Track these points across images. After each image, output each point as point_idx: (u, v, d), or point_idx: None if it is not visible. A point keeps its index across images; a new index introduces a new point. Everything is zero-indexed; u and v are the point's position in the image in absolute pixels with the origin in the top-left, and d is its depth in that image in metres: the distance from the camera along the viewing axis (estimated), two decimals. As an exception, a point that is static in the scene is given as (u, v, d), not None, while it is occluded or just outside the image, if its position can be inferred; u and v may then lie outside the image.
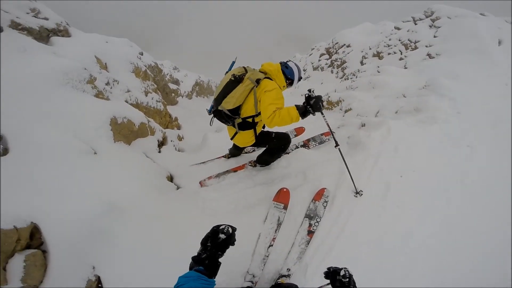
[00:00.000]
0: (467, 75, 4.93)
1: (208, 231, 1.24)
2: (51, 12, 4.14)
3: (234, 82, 2.47)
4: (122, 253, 2.21)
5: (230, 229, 1.23)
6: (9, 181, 1.97)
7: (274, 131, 2.94)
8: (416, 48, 7.08)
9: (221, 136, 5.20)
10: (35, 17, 3.71)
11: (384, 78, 6.09)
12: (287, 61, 2.75)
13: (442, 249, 2.45)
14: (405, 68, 6.66)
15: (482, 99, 4.19)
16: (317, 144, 3.91)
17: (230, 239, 1.21)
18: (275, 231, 2.59)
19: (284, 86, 2.74)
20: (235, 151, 3.59)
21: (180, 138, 5.85)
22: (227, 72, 2.66)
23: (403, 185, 2.92)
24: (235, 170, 3.43)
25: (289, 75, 2.70)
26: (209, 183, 3.29)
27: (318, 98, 2.40)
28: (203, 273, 1.08)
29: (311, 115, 2.44)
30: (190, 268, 1.14)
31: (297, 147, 3.78)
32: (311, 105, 2.38)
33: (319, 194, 2.84)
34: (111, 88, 3.76)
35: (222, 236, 1.19)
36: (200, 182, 3.31)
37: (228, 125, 2.82)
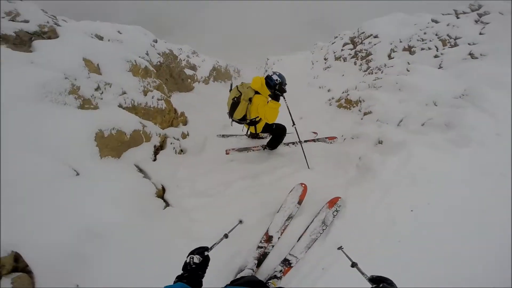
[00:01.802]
0: (516, 84, 4.12)
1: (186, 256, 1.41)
2: (37, 12, 3.77)
3: (235, 103, 3.50)
4: (103, 276, 2.20)
5: (205, 252, 1.44)
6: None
7: (276, 123, 3.73)
8: (456, 45, 6.12)
9: (222, 141, 4.95)
10: (12, 20, 3.39)
11: (413, 79, 5.35)
12: (272, 74, 3.49)
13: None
14: (440, 67, 5.81)
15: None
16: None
17: (206, 261, 1.42)
18: (285, 223, 2.66)
19: (269, 94, 3.47)
20: (253, 135, 4.67)
21: (184, 136, 5.59)
22: (230, 90, 3.71)
23: (412, 220, 2.50)
24: (253, 149, 4.23)
25: (270, 87, 3.43)
26: (232, 152, 4.14)
27: (281, 83, 3.38)
28: (187, 284, 1.22)
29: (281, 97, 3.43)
30: (175, 283, 1.26)
31: (306, 141, 4.31)
32: (278, 89, 3.36)
33: (332, 202, 2.77)
34: (101, 93, 3.47)
35: (196, 261, 1.37)
36: (226, 151, 4.15)
37: (244, 124, 3.80)
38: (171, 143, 4.55)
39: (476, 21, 6.33)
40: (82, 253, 2.20)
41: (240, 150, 4.18)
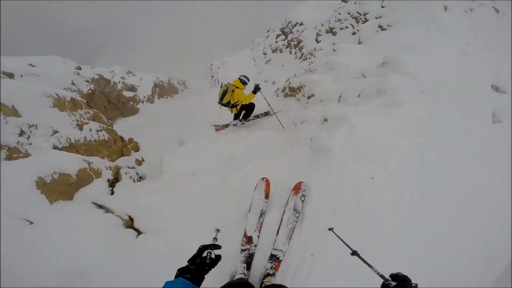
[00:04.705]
0: (422, 46, 4.83)
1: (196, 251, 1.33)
2: None
3: (225, 92, 5.28)
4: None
5: (217, 250, 1.35)
6: None
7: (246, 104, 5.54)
8: (366, 20, 6.89)
9: (183, 153, 4.79)
10: None
11: (340, 58, 5.86)
12: (242, 76, 5.38)
13: (433, 247, 2.31)
14: (360, 43, 6.49)
15: (442, 71, 4.10)
16: (263, 115, 6.12)
17: (217, 260, 1.32)
18: (259, 220, 2.69)
19: (243, 88, 5.35)
20: (235, 116, 5.95)
21: (139, 162, 5.27)
22: (221, 86, 5.46)
23: (375, 187, 2.70)
24: (230, 124, 5.82)
25: (242, 83, 5.34)
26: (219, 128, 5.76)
27: (257, 86, 5.39)
28: (190, 280, 1.16)
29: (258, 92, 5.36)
30: (176, 277, 1.20)
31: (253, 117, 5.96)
32: (256, 89, 5.32)
33: (297, 188, 2.81)
34: (28, 137, 3.06)
35: (213, 256, 1.30)
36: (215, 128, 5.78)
37: (228, 107, 5.54)
38: (126, 173, 4.27)
39: (375, -5, 7.13)
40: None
41: (224, 126, 5.80)
